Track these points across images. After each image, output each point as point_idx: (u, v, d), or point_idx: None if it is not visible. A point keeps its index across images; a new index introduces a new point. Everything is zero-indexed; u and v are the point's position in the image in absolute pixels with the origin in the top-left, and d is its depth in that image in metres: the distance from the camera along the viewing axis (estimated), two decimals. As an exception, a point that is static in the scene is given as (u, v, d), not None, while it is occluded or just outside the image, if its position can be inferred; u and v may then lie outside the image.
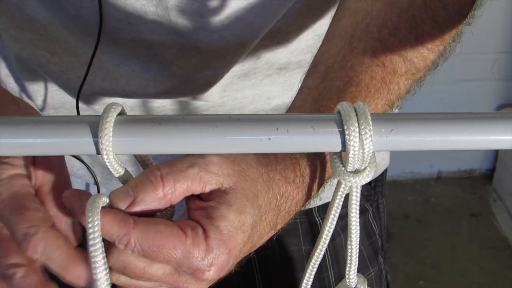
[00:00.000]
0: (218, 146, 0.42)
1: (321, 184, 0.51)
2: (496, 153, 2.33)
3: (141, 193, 0.42)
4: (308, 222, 0.80)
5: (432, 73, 0.59)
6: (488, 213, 2.21)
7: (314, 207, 0.80)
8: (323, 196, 0.54)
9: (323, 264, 0.79)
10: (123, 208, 0.42)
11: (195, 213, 0.44)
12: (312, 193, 0.51)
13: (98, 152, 0.42)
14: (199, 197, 0.45)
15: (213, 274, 0.43)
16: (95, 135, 0.41)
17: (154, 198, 0.42)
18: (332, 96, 0.51)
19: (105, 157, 0.42)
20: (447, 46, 0.58)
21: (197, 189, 0.44)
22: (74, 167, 0.78)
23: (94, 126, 0.41)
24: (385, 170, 0.88)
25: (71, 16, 0.66)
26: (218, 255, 0.43)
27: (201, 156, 0.44)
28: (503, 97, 2.25)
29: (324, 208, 0.79)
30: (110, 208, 0.42)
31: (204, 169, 0.44)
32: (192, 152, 0.43)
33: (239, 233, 0.44)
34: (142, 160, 0.46)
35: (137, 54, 0.68)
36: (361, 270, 0.81)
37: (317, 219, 0.80)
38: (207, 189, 0.44)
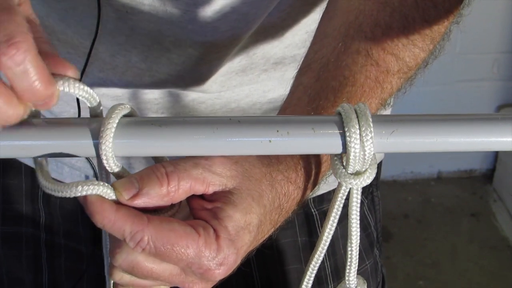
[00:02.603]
0: (218, 148, 0.42)
1: (316, 183, 0.52)
2: (496, 153, 2.33)
3: (146, 186, 0.42)
4: (304, 214, 0.80)
5: (423, 71, 0.60)
6: (488, 213, 2.21)
7: (310, 198, 0.80)
8: (319, 187, 0.54)
9: None
10: (127, 198, 0.42)
11: (202, 213, 0.44)
12: (309, 191, 0.52)
13: (98, 155, 0.41)
14: (202, 197, 0.45)
15: (221, 274, 0.43)
16: (96, 137, 0.41)
17: (158, 194, 0.42)
18: (329, 96, 0.52)
19: (104, 162, 0.42)
20: (437, 45, 0.59)
21: (200, 189, 0.44)
22: (72, 159, 0.78)
23: (96, 128, 0.41)
24: (380, 163, 0.88)
25: (67, 7, 0.66)
26: (228, 255, 0.43)
27: (205, 156, 0.44)
28: (503, 97, 2.25)
29: (320, 199, 0.80)
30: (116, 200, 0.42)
31: (208, 170, 0.44)
32: (192, 154, 0.43)
33: (246, 233, 0.44)
34: (158, 160, 0.46)
35: (134, 43, 0.68)
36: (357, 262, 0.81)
37: (312, 210, 0.80)
38: (210, 190, 0.44)
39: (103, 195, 0.42)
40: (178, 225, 0.42)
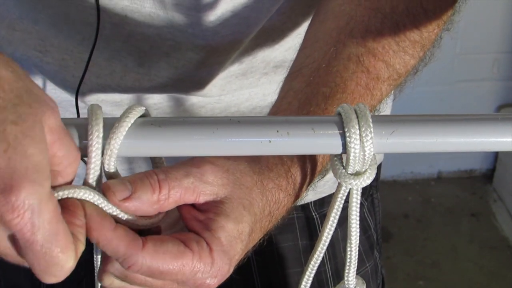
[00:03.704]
0: (218, 149, 0.42)
1: (306, 189, 0.52)
2: (496, 153, 2.33)
3: (139, 190, 0.42)
4: (305, 217, 0.80)
5: (413, 78, 0.60)
6: (488, 213, 2.21)
7: (311, 202, 0.79)
8: (319, 191, 0.54)
9: None
10: (119, 199, 0.41)
11: (193, 224, 0.44)
12: (299, 198, 0.52)
13: (103, 153, 0.41)
14: (193, 205, 0.45)
15: (215, 284, 0.43)
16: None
17: (149, 200, 0.42)
18: (320, 103, 0.52)
19: (107, 160, 0.41)
20: (427, 52, 0.59)
21: (190, 198, 0.43)
22: None
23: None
24: (380, 164, 0.88)
25: (60, 13, 0.65)
26: (222, 267, 0.43)
27: (196, 165, 0.44)
28: (503, 97, 2.25)
29: (321, 203, 0.79)
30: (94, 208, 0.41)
31: (199, 179, 0.43)
32: (192, 155, 0.43)
33: (238, 242, 0.44)
34: (155, 162, 0.46)
35: (130, 49, 0.68)
36: (357, 264, 0.81)
37: (313, 214, 0.80)
38: (201, 199, 0.44)
39: (90, 200, 0.41)
40: (172, 246, 0.42)
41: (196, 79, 0.71)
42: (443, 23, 0.59)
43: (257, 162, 0.48)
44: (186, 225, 0.44)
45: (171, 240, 0.42)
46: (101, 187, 0.42)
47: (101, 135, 0.41)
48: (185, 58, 0.68)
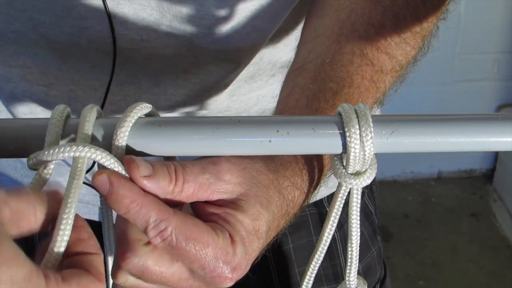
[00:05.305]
0: (218, 148, 0.42)
1: (317, 186, 0.52)
2: (496, 153, 2.33)
3: (158, 174, 0.41)
4: (318, 213, 0.80)
5: (412, 68, 0.60)
6: (488, 213, 2.21)
7: (324, 197, 0.79)
8: (331, 185, 0.54)
9: (334, 251, 0.80)
10: (142, 174, 0.40)
11: (211, 218, 0.43)
12: (311, 196, 0.51)
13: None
14: (207, 203, 0.44)
15: (232, 280, 0.42)
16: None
17: (165, 188, 0.41)
18: (328, 98, 0.52)
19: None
20: (426, 42, 0.60)
21: (203, 195, 0.43)
22: (80, 194, 0.76)
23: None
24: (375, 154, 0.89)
25: (68, 45, 0.63)
26: (241, 261, 0.42)
27: (213, 162, 0.43)
28: (503, 97, 2.25)
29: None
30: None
31: (214, 176, 0.43)
32: (192, 154, 0.43)
33: (255, 239, 0.43)
34: (167, 158, 0.45)
35: (147, 70, 0.66)
36: (364, 250, 0.81)
37: (327, 209, 0.80)
38: (214, 197, 0.43)
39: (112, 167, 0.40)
40: (201, 223, 0.41)
41: (213, 92, 0.70)
42: (440, 12, 0.59)
43: (272, 161, 0.47)
44: (205, 221, 0.43)
45: (200, 220, 0.42)
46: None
47: (88, 129, 0.40)
48: (204, 72, 0.67)
